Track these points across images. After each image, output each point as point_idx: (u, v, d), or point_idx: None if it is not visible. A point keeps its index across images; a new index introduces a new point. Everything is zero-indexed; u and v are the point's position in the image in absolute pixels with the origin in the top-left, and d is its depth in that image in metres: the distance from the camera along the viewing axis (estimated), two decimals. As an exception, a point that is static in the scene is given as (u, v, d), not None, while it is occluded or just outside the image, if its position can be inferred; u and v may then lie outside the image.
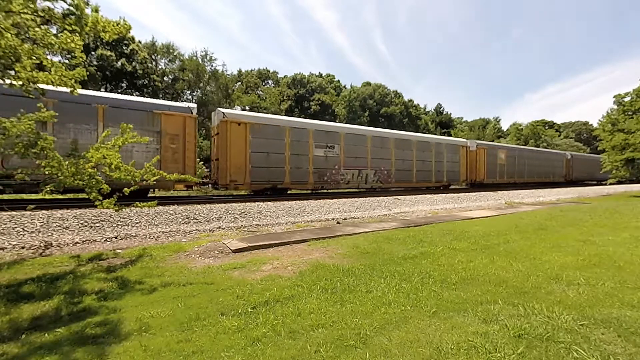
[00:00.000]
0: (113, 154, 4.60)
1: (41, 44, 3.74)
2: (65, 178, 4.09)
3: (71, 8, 3.67)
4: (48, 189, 4.33)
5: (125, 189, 4.87)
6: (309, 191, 15.12)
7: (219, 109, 12.99)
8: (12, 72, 3.86)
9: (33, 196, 10.28)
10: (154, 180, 4.97)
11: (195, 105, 11.52)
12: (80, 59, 4.18)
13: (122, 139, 4.79)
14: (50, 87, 4.44)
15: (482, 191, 19.05)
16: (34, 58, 3.73)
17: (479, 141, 24.02)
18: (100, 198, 4.45)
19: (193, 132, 11.08)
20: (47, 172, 4.10)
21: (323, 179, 14.47)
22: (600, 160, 36.20)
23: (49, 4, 3.66)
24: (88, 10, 3.82)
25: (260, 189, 13.09)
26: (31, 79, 3.80)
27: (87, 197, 4.40)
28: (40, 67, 4.02)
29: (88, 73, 5.32)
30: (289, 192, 14.37)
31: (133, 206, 5.03)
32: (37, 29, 3.65)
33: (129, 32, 4.31)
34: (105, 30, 4.00)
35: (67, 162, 4.14)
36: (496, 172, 23.62)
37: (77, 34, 3.84)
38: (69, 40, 3.84)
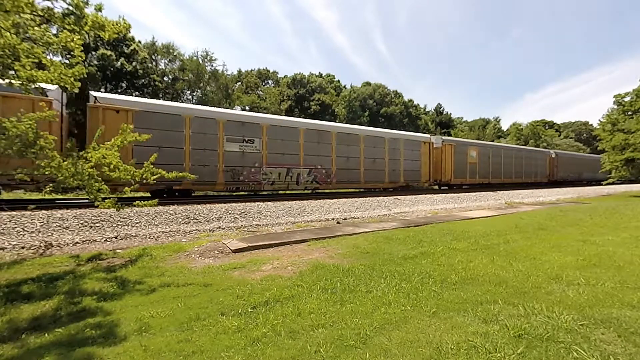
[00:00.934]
0: (112, 153, 4.59)
1: (40, 43, 3.73)
2: (65, 178, 4.09)
3: (71, 8, 3.67)
4: (48, 189, 4.34)
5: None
6: (216, 193, 13.14)
7: (91, 92, 10.44)
8: (12, 72, 3.85)
9: (33, 196, 10.26)
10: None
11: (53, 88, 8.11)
12: (80, 58, 4.17)
13: (121, 137, 4.78)
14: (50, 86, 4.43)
15: (482, 191, 19.04)
16: (33, 57, 3.72)
17: (445, 137, 21.28)
18: (100, 198, 4.44)
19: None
20: (47, 172, 4.10)
21: (238, 178, 12.40)
22: (588, 159, 34.91)
23: (48, 3, 3.66)
24: (88, 10, 3.81)
25: (151, 190, 10.96)
26: (30, 78, 3.79)
27: (86, 197, 4.40)
28: (40, 66, 4.02)
29: (87, 72, 5.31)
30: (193, 194, 12.57)
31: (134, 205, 5.01)
32: (36, 28, 3.64)
33: (129, 32, 4.30)
34: (105, 30, 3.99)
35: (66, 162, 4.14)
36: (466, 171, 20.95)
37: (76, 33, 3.83)
38: (68, 40, 3.84)
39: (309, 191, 14.73)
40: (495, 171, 23.82)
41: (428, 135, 20.37)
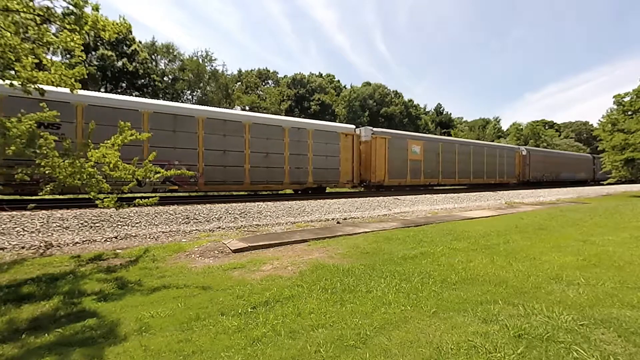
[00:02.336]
0: (112, 152, 4.59)
1: (40, 43, 3.73)
2: (63, 177, 4.08)
3: (70, 7, 3.67)
4: (48, 188, 4.33)
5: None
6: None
7: None
8: (12, 72, 3.85)
9: (33, 196, 10.25)
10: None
11: None
12: (80, 58, 4.17)
13: (122, 137, 4.77)
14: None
15: (482, 191, 19.03)
16: (33, 57, 3.72)
17: (377, 129, 16.98)
18: (101, 197, 4.44)
19: None
20: (46, 172, 4.10)
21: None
22: (568, 157, 32.70)
23: (48, 3, 3.66)
24: (88, 10, 3.81)
25: None
26: (31, 79, 3.79)
27: (87, 197, 4.40)
28: (40, 66, 4.02)
29: (88, 72, 5.30)
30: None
31: (134, 204, 4.98)
32: (36, 28, 3.64)
33: (130, 33, 4.31)
34: (105, 29, 4.00)
35: (64, 162, 4.13)
36: (406, 170, 17.44)
37: (76, 32, 3.83)
38: (68, 39, 3.84)
39: (162, 194, 10.56)
40: (448, 170, 20.02)
41: (351, 126, 16.35)
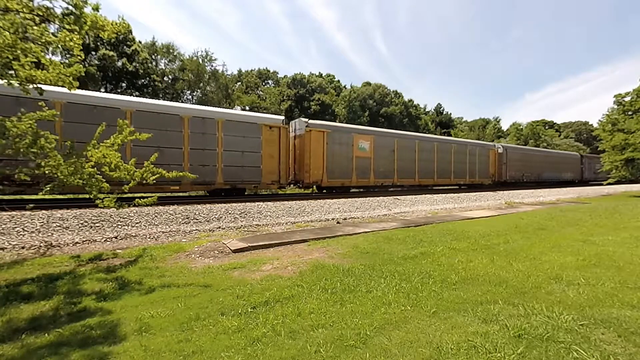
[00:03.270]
0: (113, 153, 4.58)
1: (39, 43, 3.73)
2: (64, 177, 4.08)
3: (70, 7, 3.66)
4: (48, 188, 4.33)
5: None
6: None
7: None
8: (11, 71, 3.84)
9: (33, 196, 10.25)
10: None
11: None
12: (79, 58, 4.16)
13: (121, 136, 4.76)
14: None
15: (482, 191, 19.03)
16: (32, 56, 3.71)
17: (313, 121, 14.64)
18: (101, 197, 4.44)
19: None
20: (47, 172, 4.09)
21: None
22: (551, 156, 29.96)
23: (47, 3, 3.66)
24: (88, 10, 3.81)
25: None
26: (29, 78, 3.78)
27: (87, 197, 4.39)
28: (39, 66, 4.01)
29: (87, 72, 5.29)
30: None
31: (134, 204, 4.97)
32: (35, 27, 3.64)
33: (130, 33, 4.31)
34: (105, 29, 3.99)
35: (65, 162, 4.13)
36: (351, 168, 15.11)
37: (76, 32, 3.83)
38: (67, 39, 3.83)
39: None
40: (405, 169, 17.54)
41: (278, 117, 13.80)
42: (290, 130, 14.49)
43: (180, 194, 12.74)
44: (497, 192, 18.73)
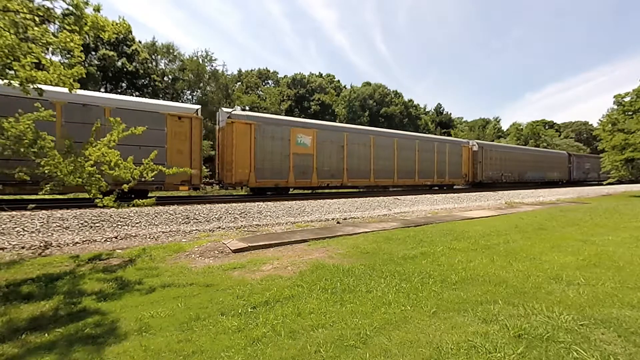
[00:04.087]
0: (112, 151, 4.57)
1: (40, 43, 3.73)
2: (64, 176, 4.08)
3: (70, 8, 3.66)
4: (48, 187, 4.32)
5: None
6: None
7: None
8: (11, 72, 3.84)
9: (33, 196, 10.25)
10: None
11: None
12: (79, 59, 4.16)
13: (116, 133, 4.70)
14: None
15: (483, 191, 19.03)
16: (32, 57, 3.71)
17: (238, 111, 12.79)
18: (100, 196, 4.43)
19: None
20: (46, 171, 4.09)
21: None
22: (532, 154, 27.25)
23: (47, 3, 3.66)
24: (88, 10, 3.81)
25: None
26: (30, 79, 3.78)
27: (86, 197, 4.39)
28: (39, 66, 4.01)
29: (87, 72, 5.28)
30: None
31: (133, 204, 4.94)
32: (35, 27, 3.63)
33: (130, 33, 4.30)
34: (105, 30, 3.99)
35: (65, 161, 4.13)
36: (287, 167, 13.23)
37: (76, 33, 3.83)
38: (67, 40, 3.83)
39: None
40: (357, 168, 15.30)
41: (191, 106, 11.55)
42: (217, 122, 13.11)
43: (181, 194, 12.62)
44: (497, 192, 18.73)
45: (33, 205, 5.98)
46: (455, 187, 20.67)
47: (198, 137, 11.27)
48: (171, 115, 10.75)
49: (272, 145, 12.95)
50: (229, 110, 12.67)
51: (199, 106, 11.67)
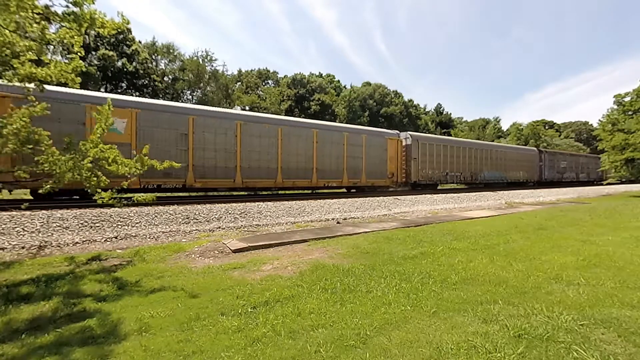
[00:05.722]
0: (110, 147, 4.55)
1: (39, 41, 3.72)
2: (63, 172, 4.05)
3: (70, 6, 3.65)
4: (48, 186, 4.31)
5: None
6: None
7: None
8: (9, 72, 3.83)
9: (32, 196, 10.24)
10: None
11: None
12: (79, 54, 4.14)
13: (102, 125, 4.61)
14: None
15: (482, 191, 19.03)
16: (32, 53, 3.70)
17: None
18: (100, 191, 4.41)
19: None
20: (45, 168, 4.07)
21: None
22: (494, 150, 23.25)
23: (47, 1, 3.65)
24: (86, 8, 3.79)
25: None
26: (30, 76, 3.78)
27: (86, 196, 4.37)
28: (39, 64, 4.00)
29: (87, 72, 5.27)
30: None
31: (132, 201, 4.88)
32: (35, 25, 3.62)
33: (130, 32, 4.30)
34: (104, 26, 3.97)
35: (64, 157, 4.11)
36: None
37: (76, 29, 3.82)
38: (67, 35, 3.82)
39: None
40: (215, 165, 11.57)
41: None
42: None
43: (181, 194, 12.75)
44: (497, 192, 18.73)
45: (27, 204, 5.91)
46: (378, 189, 16.83)
47: None
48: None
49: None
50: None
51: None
